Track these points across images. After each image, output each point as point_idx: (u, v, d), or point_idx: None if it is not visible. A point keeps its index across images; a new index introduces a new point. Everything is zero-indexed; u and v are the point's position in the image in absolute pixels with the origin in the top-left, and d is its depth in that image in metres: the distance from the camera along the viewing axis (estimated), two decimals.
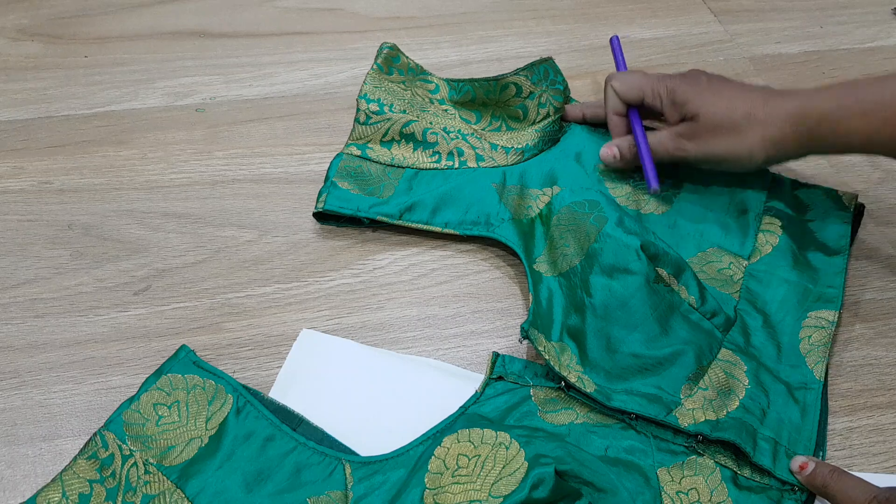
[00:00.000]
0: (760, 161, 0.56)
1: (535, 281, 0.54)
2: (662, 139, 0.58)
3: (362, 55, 0.75)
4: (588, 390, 0.48)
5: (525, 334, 0.49)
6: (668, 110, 0.58)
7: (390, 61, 0.67)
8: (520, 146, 0.63)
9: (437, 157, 0.62)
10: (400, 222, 0.58)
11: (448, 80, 0.66)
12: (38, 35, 0.77)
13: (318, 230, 0.60)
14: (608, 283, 0.51)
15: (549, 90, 0.64)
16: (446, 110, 0.65)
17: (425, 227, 0.58)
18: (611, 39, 0.69)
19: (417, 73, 0.67)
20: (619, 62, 0.67)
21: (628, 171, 0.61)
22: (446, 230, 0.58)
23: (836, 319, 0.53)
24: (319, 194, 0.59)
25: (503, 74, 0.64)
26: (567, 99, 0.65)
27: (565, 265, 0.54)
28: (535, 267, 0.55)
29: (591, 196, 0.57)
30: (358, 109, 0.64)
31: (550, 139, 0.63)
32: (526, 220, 0.58)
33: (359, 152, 0.62)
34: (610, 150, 0.60)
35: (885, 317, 0.55)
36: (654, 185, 0.57)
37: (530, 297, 0.53)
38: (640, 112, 0.61)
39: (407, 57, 0.67)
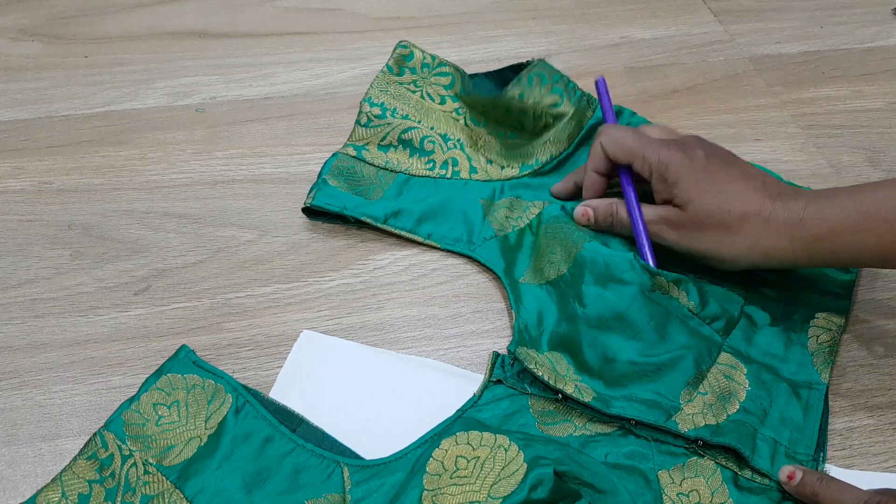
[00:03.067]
0: (745, 266, 0.51)
1: (520, 295, 0.54)
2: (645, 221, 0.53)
3: (362, 55, 0.75)
4: (586, 399, 0.48)
5: (513, 356, 0.49)
6: (657, 185, 0.52)
7: (402, 61, 0.66)
8: (516, 164, 0.63)
9: (431, 164, 0.62)
10: (384, 226, 0.58)
11: (464, 75, 0.66)
12: (38, 35, 0.77)
13: (318, 230, 0.60)
14: (601, 293, 0.51)
15: (543, 99, 0.62)
16: (456, 110, 0.65)
17: (408, 234, 0.58)
18: (596, 82, 0.62)
19: (433, 68, 0.66)
20: (607, 109, 0.61)
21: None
22: (428, 241, 0.58)
23: (843, 324, 0.53)
24: (310, 190, 0.59)
25: (491, 96, 0.63)
26: (571, 93, 0.63)
27: (553, 273, 0.54)
28: (521, 280, 0.55)
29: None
30: (360, 112, 0.64)
31: (550, 160, 0.62)
32: (513, 233, 0.58)
33: (354, 153, 0.62)
34: (584, 210, 0.55)
35: (885, 317, 0.55)
36: (651, 262, 0.52)
37: (513, 316, 0.53)
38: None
39: (422, 51, 0.67)
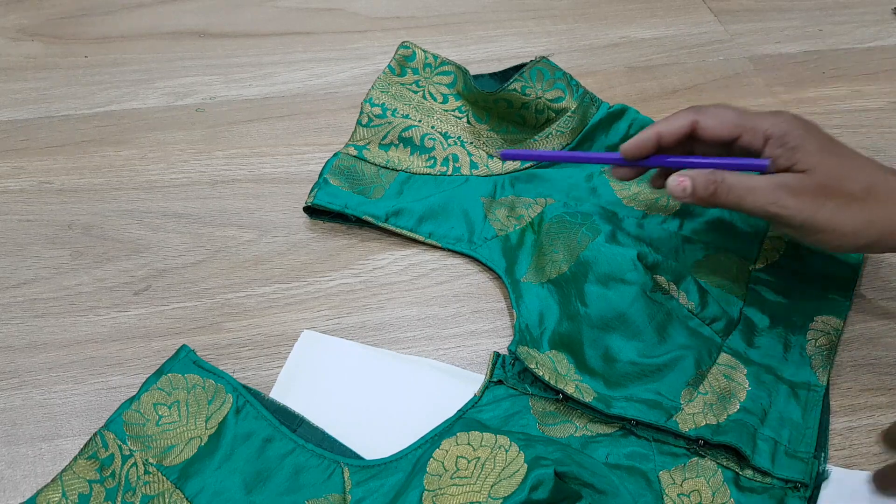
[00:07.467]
0: (861, 244, 0.47)
1: (521, 294, 0.54)
2: (757, 188, 0.47)
3: (362, 55, 0.75)
4: (587, 399, 0.48)
5: (514, 356, 0.49)
6: (774, 152, 0.48)
7: (404, 61, 0.67)
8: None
9: (432, 161, 0.62)
10: (385, 225, 0.58)
11: (466, 73, 0.66)
12: (38, 35, 0.77)
13: (318, 230, 0.60)
14: (604, 293, 0.51)
15: (545, 94, 0.63)
16: (458, 108, 0.65)
17: (409, 233, 0.58)
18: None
19: (435, 67, 0.67)
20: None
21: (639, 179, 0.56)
22: (429, 240, 0.58)
23: (841, 328, 0.53)
24: (311, 190, 0.59)
25: (494, 90, 0.63)
26: (574, 90, 0.63)
27: (554, 271, 0.54)
28: (522, 280, 0.55)
29: (584, 209, 0.57)
30: (361, 112, 0.64)
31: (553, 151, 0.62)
32: (514, 232, 0.58)
33: (355, 153, 0.62)
34: (680, 181, 0.48)
35: (885, 317, 0.55)
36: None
37: (514, 316, 0.53)
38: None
39: (424, 51, 0.67)
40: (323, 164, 0.61)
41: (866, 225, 0.46)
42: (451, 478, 0.42)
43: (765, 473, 0.46)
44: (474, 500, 0.41)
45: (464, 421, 0.47)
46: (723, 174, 0.48)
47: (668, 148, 0.51)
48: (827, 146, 0.48)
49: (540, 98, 0.62)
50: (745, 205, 0.47)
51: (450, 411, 0.48)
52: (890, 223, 0.46)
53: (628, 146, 0.51)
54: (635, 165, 0.52)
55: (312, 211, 0.60)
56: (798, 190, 0.47)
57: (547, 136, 0.62)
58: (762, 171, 0.48)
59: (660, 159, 0.51)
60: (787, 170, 0.48)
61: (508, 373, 0.50)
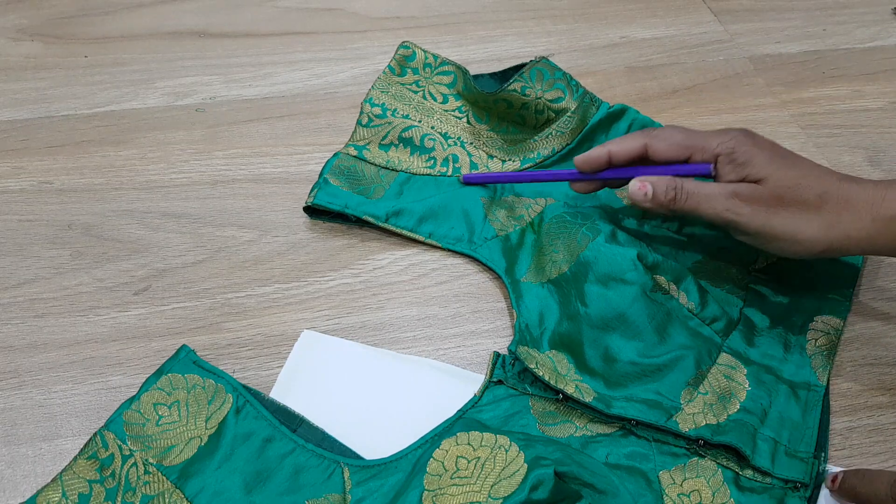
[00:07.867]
0: (818, 251, 0.48)
1: (521, 294, 0.54)
2: (713, 195, 0.49)
3: (362, 55, 0.75)
4: (587, 399, 0.48)
5: (514, 356, 0.49)
6: (724, 170, 0.50)
7: (404, 61, 0.67)
8: (517, 158, 0.63)
9: (432, 161, 0.62)
10: (386, 225, 0.58)
11: (466, 73, 0.66)
12: (38, 35, 0.77)
13: (318, 230, 0.60)
14: (604, 293, 0.51)
15: (545, 94, 0.63)
16: (458, 108, 0.65)
17: (409, 234, 0.58)
18: None
19: (435, 67, 0.67)
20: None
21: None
22: (429, 241, 0.58)
23: (841, 328, 0.53)
24: (311, 189, 0.59)
25: (494, 90, 0.63)
26: (574, 90, 0.63)
27: (555, 271, 0.54)
28: (522, 280, 0.55)
29: (584, 209, 0.57)
30: (361, 112, 0.64)
31: (552, 154, 0.62)
32: (514, 232, 0.58)
33: (356, 153, 0.62)
34: (641, 185, 0.51)
35: (885, 317, 0.55)
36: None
37: (514, 315, 0.53)
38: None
39: (424, 51, 0.67)
40: (323, 164, 0.62)
41: (822, 232, 0.48)
42: (451, 478, 0.42)
43: (765, 473, 0.46)
44: (474, 500, 0.41)
45: (464, 421, 0.47)
46: (682, 181, 0.50)
47: (620, 166, 0.54)
48: (778, 158, 0.49)
49: (540, 98, 0.62)
50: (702, 211, 0.50)
51: (450, 411, 0.48)
52: (845, 229, 0.47)
53: (581, 159, 0.54)
54: (590, 179, 0.55)
55: (312, 211, 0.60)
56: (752, 198, 0.48)
57: (547, 137, 0.62)
58: (706, 175, 0.51)
59: (612, 172, 0.54)
60: (740, 181, 0.49)
61: (508, 373, 0.50)
